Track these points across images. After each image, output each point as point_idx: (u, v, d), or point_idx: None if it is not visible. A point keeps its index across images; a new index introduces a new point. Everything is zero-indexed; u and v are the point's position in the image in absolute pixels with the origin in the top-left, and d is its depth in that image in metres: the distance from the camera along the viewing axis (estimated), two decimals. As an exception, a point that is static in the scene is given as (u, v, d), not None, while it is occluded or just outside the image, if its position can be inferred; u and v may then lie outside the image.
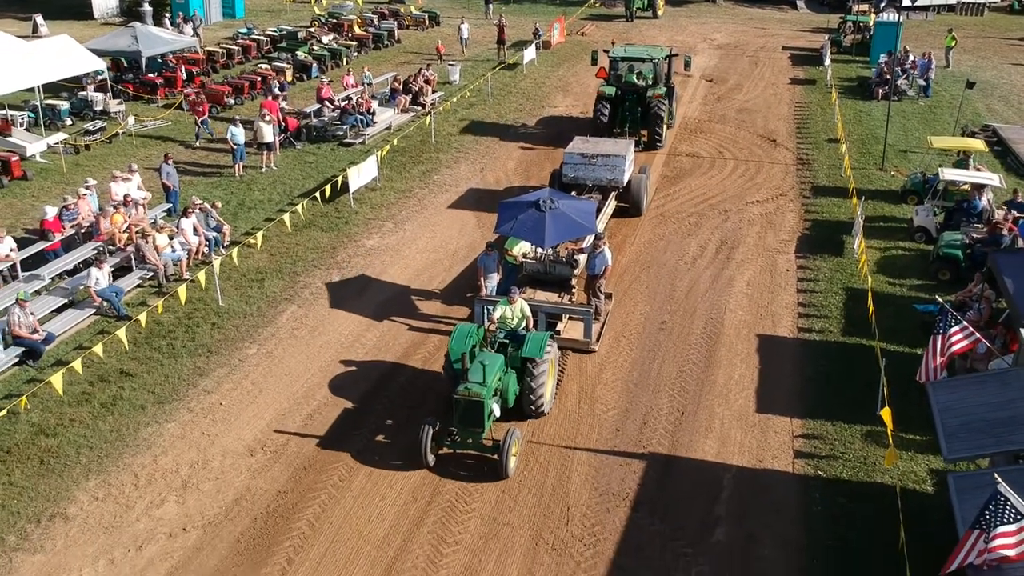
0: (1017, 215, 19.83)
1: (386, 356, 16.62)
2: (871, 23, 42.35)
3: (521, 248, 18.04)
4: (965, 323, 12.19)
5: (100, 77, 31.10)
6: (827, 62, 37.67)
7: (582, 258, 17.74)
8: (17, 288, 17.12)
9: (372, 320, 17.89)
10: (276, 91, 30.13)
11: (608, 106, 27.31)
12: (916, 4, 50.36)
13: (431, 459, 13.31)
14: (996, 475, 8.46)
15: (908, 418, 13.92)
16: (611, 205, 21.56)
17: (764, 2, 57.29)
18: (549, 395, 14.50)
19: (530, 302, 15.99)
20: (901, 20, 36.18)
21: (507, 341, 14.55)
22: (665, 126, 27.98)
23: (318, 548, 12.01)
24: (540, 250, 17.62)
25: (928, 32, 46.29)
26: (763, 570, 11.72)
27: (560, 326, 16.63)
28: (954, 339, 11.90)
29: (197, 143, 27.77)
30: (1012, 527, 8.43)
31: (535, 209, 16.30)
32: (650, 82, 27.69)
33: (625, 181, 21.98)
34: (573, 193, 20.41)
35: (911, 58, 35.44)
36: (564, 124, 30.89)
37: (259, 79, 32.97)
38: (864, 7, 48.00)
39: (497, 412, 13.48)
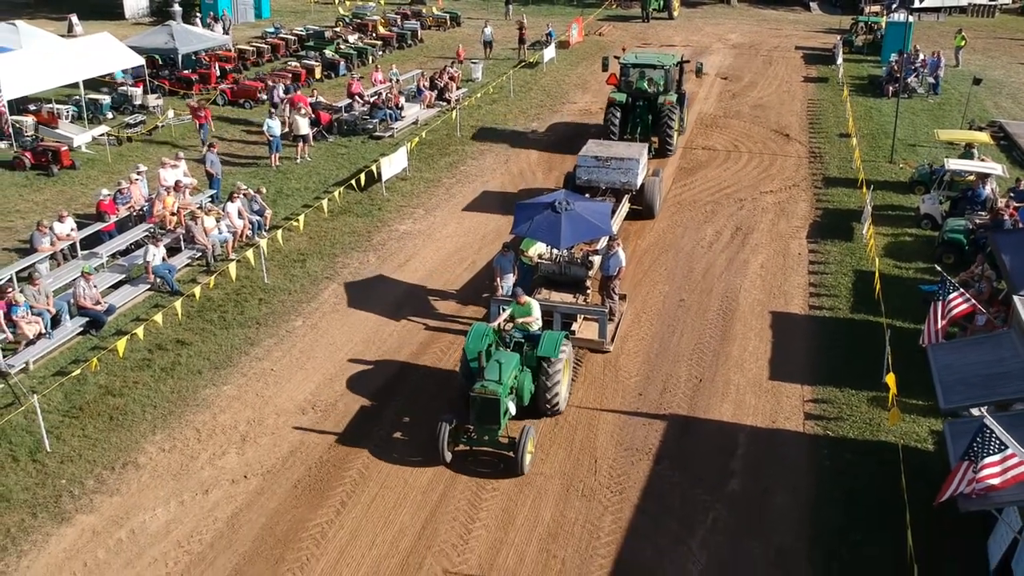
0: (1017, 204, 20.78)
1: (421, 331, 17.79)
2: (882, 24, 43.32)
3: (537, 249, 18.22)
4: (963, 290, 13.24)
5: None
6: (839, 61, 38.70)
7: (596, 259, 17.98)
8: (81, 264, 18.40)
9: (407, 296, 19.06)
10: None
11: (619, 112, 27.18)
12: (927, 5, 51.21)
13: (448, 456, 13.61)
14: (983, 410, 9.48)
15: (911, 385, 14.92)
16: (624, 207, 21.79)
17: (778, 3, 58.33)
18: (564, 394, 14.81)
19: (545, 303, 16.36)
20: (911, 21, 37.07)
21: (523, 340, 14.90)
22: (676, 133, 27.92)
23: (368, 493, 13.17)
24: (555, 251, 17.79)
25: (939, 33, 47.14)
26: (775, 516, 12.79)
27: (575, 326, 16.85)
28: (953, 303, 12.99)
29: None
30: (997, 457, 9.45)
31: (551, 210, 16.50)
32: (661, 89, 27.47)
33: (639, 184, 22.15)
34: (587, 195, 20.55)
35: (921, 57, 36.35)
36: (583, 119, 32.08)
37: (289, 75, 34.23)
38: (876, 8, 49.01)
39: (513, 410, 13.84)
